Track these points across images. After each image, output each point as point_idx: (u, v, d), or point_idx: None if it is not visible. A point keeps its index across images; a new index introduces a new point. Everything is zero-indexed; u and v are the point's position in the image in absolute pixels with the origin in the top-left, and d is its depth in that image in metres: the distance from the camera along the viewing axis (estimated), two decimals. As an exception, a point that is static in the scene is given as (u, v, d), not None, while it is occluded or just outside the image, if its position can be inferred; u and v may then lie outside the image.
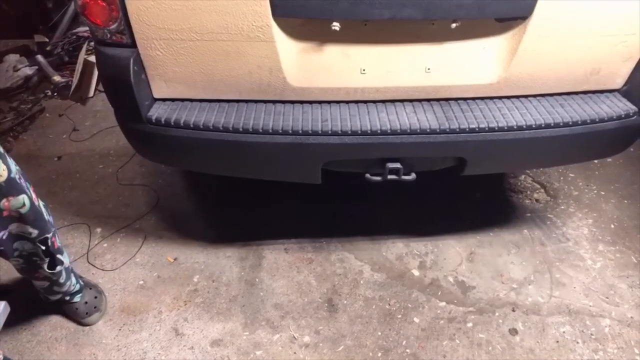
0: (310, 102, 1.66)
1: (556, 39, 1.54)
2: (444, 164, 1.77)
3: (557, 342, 1.80)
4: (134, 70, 1.48)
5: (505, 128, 1.58)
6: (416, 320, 1.87)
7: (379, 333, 1.83)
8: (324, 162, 1.64)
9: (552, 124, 1.60)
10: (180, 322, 1.86)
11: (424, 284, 2.01)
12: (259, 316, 1.89)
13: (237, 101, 1.65)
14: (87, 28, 3.53)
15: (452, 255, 2.15)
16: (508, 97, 1.71)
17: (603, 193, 2.52)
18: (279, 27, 1.47)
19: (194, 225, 2.30)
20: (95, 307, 1.86)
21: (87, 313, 1.84)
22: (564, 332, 1.83)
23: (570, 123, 1.62)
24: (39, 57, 3.55)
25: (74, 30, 3.96)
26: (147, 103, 1.59)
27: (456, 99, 1.68)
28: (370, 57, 1.59)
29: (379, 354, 1.76)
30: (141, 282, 2.02)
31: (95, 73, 3.35)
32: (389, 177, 1.68)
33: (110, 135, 2.93)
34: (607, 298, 1.96)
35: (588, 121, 1.63)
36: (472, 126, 1.57)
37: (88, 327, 1.84)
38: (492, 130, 1.58)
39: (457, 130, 1.57)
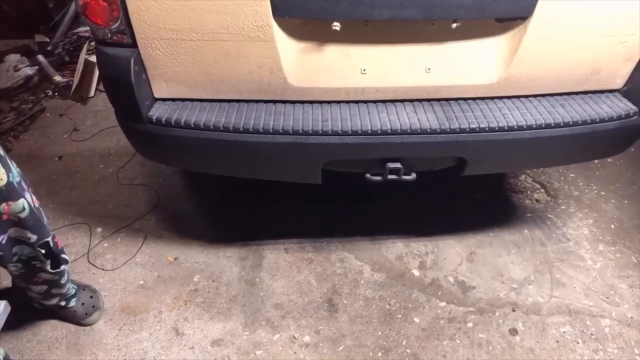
0: (311, 102, 1.66)
1: (556, 39, 1.54)
2: (444, 164, 1.77)
3: (557, 342, 1.80)
4: (134, 70, 1.49)
5: (506, 128, 1.58)
6: (416, 320, 1.87)
7: (379, 333, 1.83)
8: (324, 162, 1.64)
9: (552, 124, 1.60)
10: (181, 322, 1.86)
11: (424, 284, 2.01)
12: (259, 316, 1.89)
13: (238, 101, 1.65)
14: (87, 28, 3.54)
15: (452, 255, 2.15)
16: (508, 97, 1.71)
17: (603, 193, 2.52)
18: (279, 27, 1.47)
19: (194, 225, 2.30)
20: (93, 307, 1.86)
21: (86, 314, 1.84)
22: (564, 332, 1.84)
23: (571, 123, 1.62)
24: (40, 57, 3.56)
25: (75, 30, 3.97)
26: (147, 103, 1.59)
27: (456, 99, 1.68)
28: (371, 57, 1.59)
29: (379, 354, 1.76)
30: (141, 282, 2.02)
31: (96, 73, 3.35)
32: (389, 177, 1.68)
33: (110, 135, 2.93)
34: (607, 298, 1.96)
35: (588, 121, 1.63)
36: (472, 126, 1.57)
37: (88, 326, 1.84)
38: (492, 130, 1.58)
39: (458, 130, 1.57)
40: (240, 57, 1.50)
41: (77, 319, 1.84)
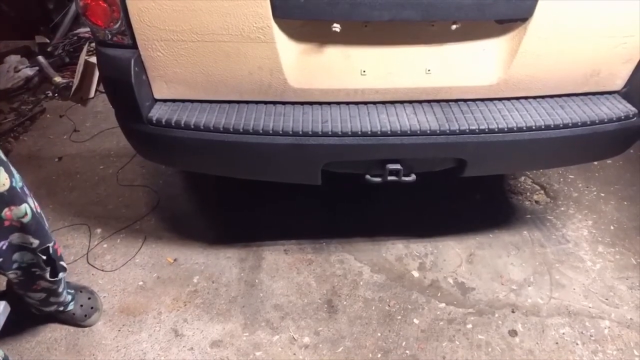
0: (311, 103, 1.66)
1: (556, 40, 1.54)
2: (444, 165, 1.77)
3: (557, 343, 1.80)
4: (134, 71, 1.49)
5: (505, 129, 1.59)
6: (416, 321, 1.87)
7: (379, 334, 1.83)
8: (324, 163, 1.64)
9: (552, 126, 1.61)
10: (180, 323, 1.86)
11: (423, 285, 2.01)
12: (259, 317, 1.89)
13: (238, 102, 1.65)
14: (88, 29, 3.55)
15: (451, 256, 2.15)
16: (508, 99, 1.71)
17: (603, 194, 2.52)
18: (279, 28, 1.47)
19: (194, 226, 2.30)
20: (92, 308, 1.86)
21: (85, 315, 1.84)
22: (563, 333, 1.83)
23: (570, 124, 1.62)
24: (40, 58, 3.56)
25: (75, 31, 3.97)
26: (147, 104, 1.60)
27: (456, 101, 1.68)
28: (371, 58, 1.59)
29: (379, 355, 1.76)
30: (141, 283, 2.02)
31: (96, 74, 3.35)
32: (389, 178, 1.68)
33: (110, 136, 2.93)
34: (606, 299, 1.96)
35: (588, 123, 1.63)
36: (472, 127, 1.57)
37: (88, 327, 1.84)
38: (492, 131, 1.58)
39: (457, 131, 1.57)
40: (240, 59, 1.51)
41: (76, 321, 1.83)
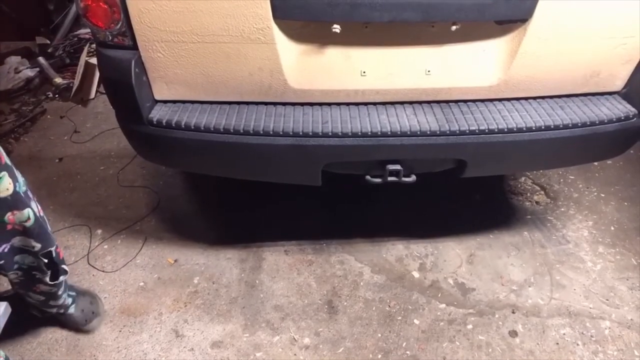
0: (311, 104, 1.66)
1: (556, 41, 1.55)
2: (444, 166, 1.77)
3: (557, 344, 1.80)
4: (135, 72, 1.49)
5: (505, 130, 1.59)
6: (416, 322, 1.87)
7: (379, 335, 1.83)
8: (324, 163, 1.64)
9: (552, 126, 1.61)
10: (181, 324, 1.86)
11: (424, 286, 2.02)
12: (259, 318, 1.89)
13: (238, 103, 1.66)
14: (88, 30, 3.55)
15: (452, 257, 2.15)
16: (508, 99, 1.71)
17: (603, 195, 2.52)
18: (279, 29, 1.47)
19: (195, 227, 2.30)
20: (93, 313, 1.84)
21: (86, 320, 1.82)
22: (564, 334, 1.83)
23: (570, 125, 1.62)
24: (41, 59, 3.56)
25: (76, 32, 3.98)
26: (148, 105, 1.60)
27: (456, 101, 1.69)
28: (371, 59, 1.59)
29: (379, 356, 1.76)
30: (141, 284, 2.02)
31: (97, 75, 3.36)
32: (389, 179, 1.68)
33: (111, 137, 2.93)
34: (607, 300, 1.96)
35: (588, 123, 1.63)
36: (472, 128, 1.57)
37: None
38: (492, 132, 1.59)
39: (457, 132, 1.57)
40: (240, 60, 1.51)
41: (76, 326, 1.82)
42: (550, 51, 1.57)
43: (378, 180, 1.70)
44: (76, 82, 3.40)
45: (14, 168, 1.41)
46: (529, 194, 2.52)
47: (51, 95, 3.43)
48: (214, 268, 2.09)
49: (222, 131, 1.55)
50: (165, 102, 1.65)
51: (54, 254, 1.54)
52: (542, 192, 2.54)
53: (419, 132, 1.57)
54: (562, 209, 2.43)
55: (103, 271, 2.07)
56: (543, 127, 1.60)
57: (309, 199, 2.42)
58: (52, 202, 2.42)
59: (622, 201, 2.48)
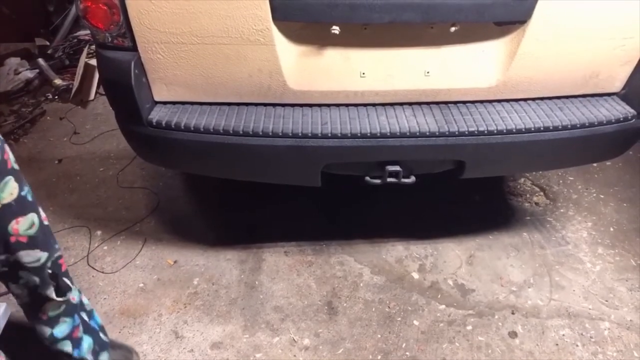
0: (310, 105, 1.66)
1: (555, 42, 1.55)
2: (443, 167, 1.77)
3: (557, 345, 1.80)
4: (134, 74, 1.49)
5: (504, 131, 1.59)
6: (416, 323, 1.87)
7: (379, 336, 1.83)
8: (324, 164, 1.64)
9: (550, 127, 1.61)
10: (180, 325, 1.86)
11: (423, 287, 2.02)
12: (259, 319, 1.89)
13: (238, 104, 1.66)
14: (88, 31, 3.55)
15: (451, 258, 2.15)
16: (507, 101, 1.71)
17: (602, 196, 2.52)
18: (279, 30, 1.47)
19: (194, 228, 2.30)
20: None
21: None
22: (563, 335, 1.84)
23: (569, 126, 1.62)
24: (40, 61, 3.57)
25: (75, 34, 3.99)
26: (147, 106, 1.60)
27: (455, 102, 1.69)
28: (370, 60, 1.60)
29: (379, 357, 1.76)
30: (141, 285, 2.02)
31: (96, 76, 3.36)
32: (389, 180, 1.69)
33: (110, 138, 2.94)
34: (606, 301, 1.96)
35: (587, 124, 1.64)
36: (471, 129, 1.58)
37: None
38: (491, 133, 1.59)
39: (457, 133, 1.58)
40: (240, 61, 1.51)
41: None
42: (549, 52, 1.57)
43: (377, 181, 1.70)
44: (76, 83, 3.41)
45: (20, 172, 1.36)
46: (528, 195, 2.53)
47: (51, 96, 3.43)
48: (213, 269, 2.09)
49: (221, 132, 1.56)
50: (164, 103, 1.65)
51: (57, 264, 1.41)
52: (542, 193, 2.54)
53: (418, 133, 1.57)
54: (562, 210, 2.43)
55: (103, 272, 2.07)
56: (542, 128, 1.60)
57: (308, 199, 2.42)
58: (52, 204, 2.42)
59: (622, 202, 2.48)
